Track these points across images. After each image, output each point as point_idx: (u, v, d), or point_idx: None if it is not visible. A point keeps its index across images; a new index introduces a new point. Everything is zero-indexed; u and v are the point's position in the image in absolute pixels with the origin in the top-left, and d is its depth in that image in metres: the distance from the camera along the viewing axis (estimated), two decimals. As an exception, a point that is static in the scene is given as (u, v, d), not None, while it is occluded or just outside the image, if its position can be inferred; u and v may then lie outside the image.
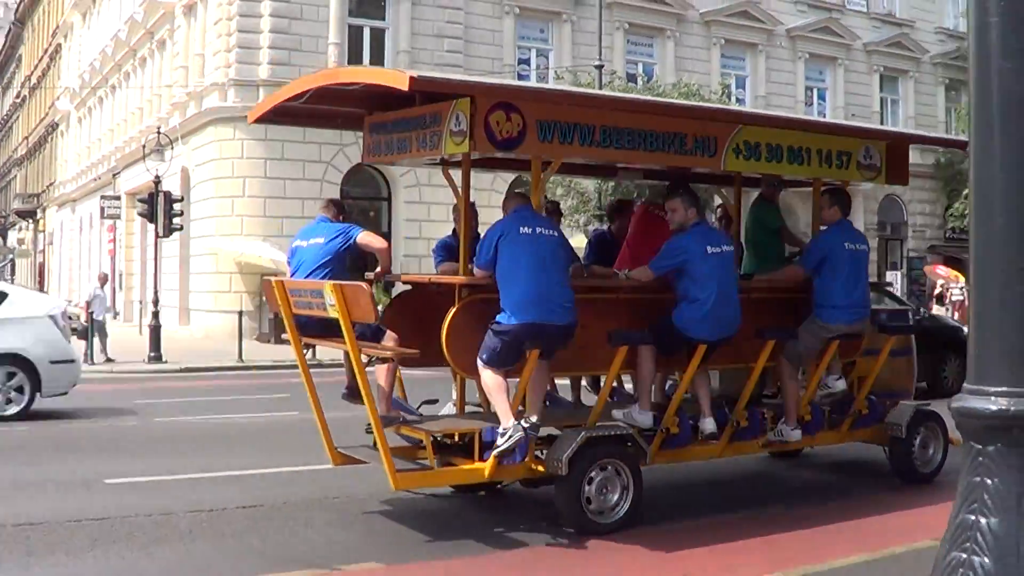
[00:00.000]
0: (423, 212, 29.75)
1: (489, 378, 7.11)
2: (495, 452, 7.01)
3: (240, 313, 24.74)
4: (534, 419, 7.21)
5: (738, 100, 33.70)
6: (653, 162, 8.41)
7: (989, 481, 3.05)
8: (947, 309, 32.66)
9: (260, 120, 9.25)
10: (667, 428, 7.78)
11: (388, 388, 7.63)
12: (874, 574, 6.42)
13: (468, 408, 8.30)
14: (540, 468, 7.36)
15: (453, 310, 7.23)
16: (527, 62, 33.13)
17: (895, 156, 9.50)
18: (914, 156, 33.04)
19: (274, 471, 9.78)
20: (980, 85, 3.07)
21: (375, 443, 7.32)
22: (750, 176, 9.33)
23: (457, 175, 8.02)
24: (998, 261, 3.01)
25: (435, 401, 8.75)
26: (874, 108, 40.41)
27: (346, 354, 7.60)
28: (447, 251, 8.66)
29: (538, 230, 7.21)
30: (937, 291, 32.90)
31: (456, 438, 7.75)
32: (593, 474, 7.28)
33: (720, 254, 7.81)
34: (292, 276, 7.98)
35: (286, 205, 28.83)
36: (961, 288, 31.91)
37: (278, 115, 9.14)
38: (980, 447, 3.06)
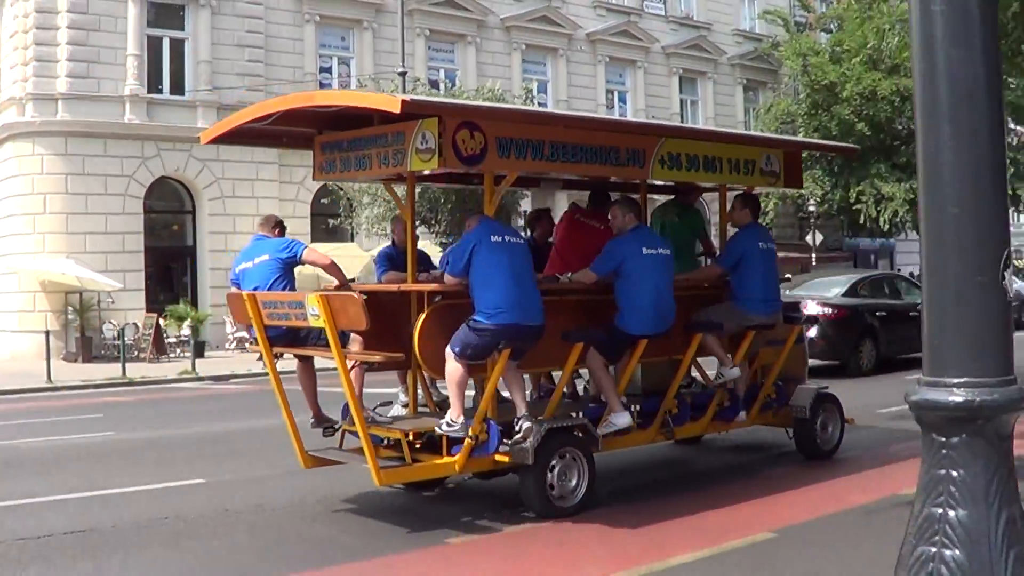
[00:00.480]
0: (228, 224, 39.08)
1: (455, 370, 10.11)
2: (442, 429, 10.18)
3: (47, 333, 30.81)
4: (523, 414, 10.34)
5: (541, 104, 43.76)
6: (592, 173, 11.85)
7: (955, 473, 4.06)
8: None
9: (214, 141, 12.14)
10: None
11: (356, 391, 10.42)
12: (714, 569, 8.23)
13: (419, 409, 11.80)
14: (505, 459, 10.30)
15: (424, 315, 10.46)
16: (329, 70, 43.26)
17: (791, 163, 13.63)
18: None
19: (102, 493, 12.31)
20: (926, 74, 4.04)
21: (339, 445, 11.03)
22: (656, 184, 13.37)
23: (400, 188, 12.30)
24: (952, 251, 3.97)
25: (389, 403, 12.29)
26: (674, 110, 53.70)
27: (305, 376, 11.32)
28: (389, 261, 12.48)
29: (507, 238, 10.43)
30: None
31: (411, 437, 10.54)
32: (554, 462, 10.37)
33: (656, 255, 11.05)
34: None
35: (89, 221, 37.22)
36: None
37: (229, 136, 12.07)
38: (943, 439, 4.09)
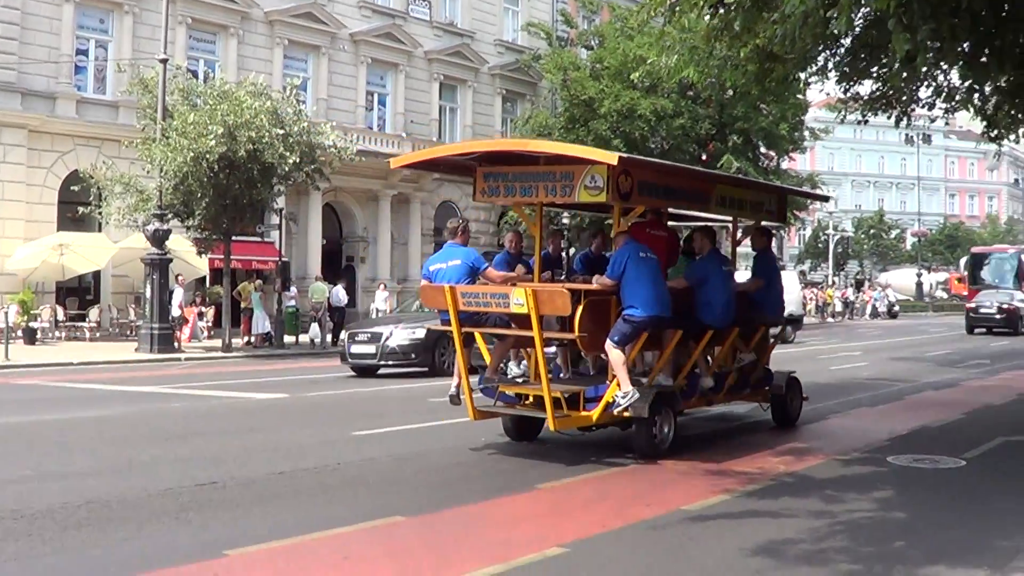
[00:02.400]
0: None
1: (616, 355, 13.74)
2: (619, 404, 13.65)
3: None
4: (660, 379, 14.86)
5: (301, 102, 41.66)
6: (689, 210, 16.90)
7: None
8: None
9: (411, 167, 17.87)
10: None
11: (499, 360, 15.41)
12: None
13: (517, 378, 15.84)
14: (627, 414, 13.99)
15: (581, 307, 13.80)
16: (86, 52, 42.02)
17: (781, 204, 18.81)
18: None
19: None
20: None
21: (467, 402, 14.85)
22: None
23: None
24: None
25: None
26: (433, 115, 53.83)
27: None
28: (504, 264, 15.90)
29: (648, 255, 14.19)
30: None
31: (560, 395, 14.26)
32: (659, 417, 14.40)
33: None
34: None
35: (6, 207, 38.50)
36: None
37: (422, 164, 18.23)
38: None
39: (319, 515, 10.59)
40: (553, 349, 15.98)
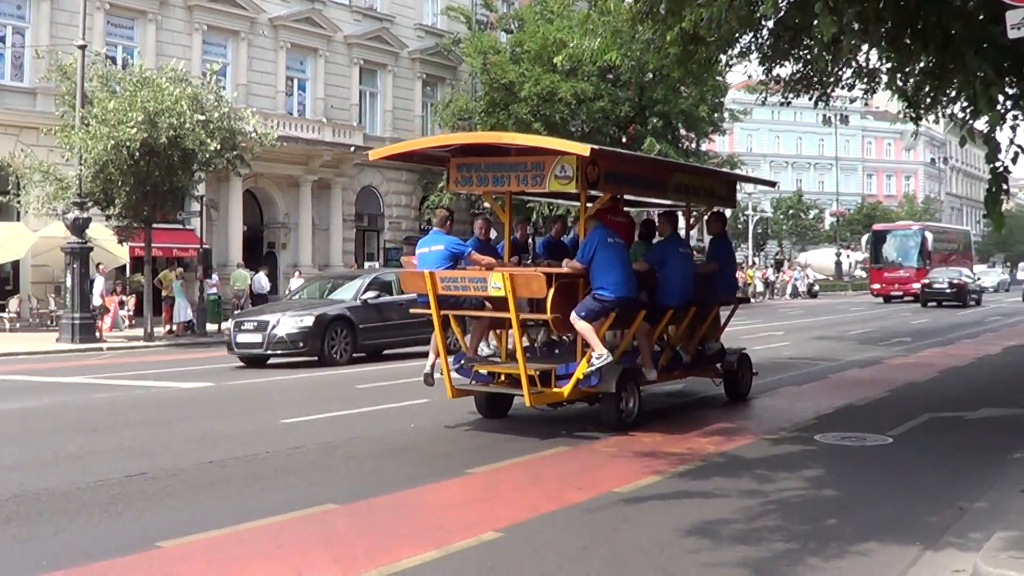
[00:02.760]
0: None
1: (584, 327, 14.44)
2: (593, 365, 14.37)
3: None
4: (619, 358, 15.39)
5: (221, 88, 40.69)
6: (650, 196, 18.23)
7: None
8: None
9: (385, 159, 17.86)
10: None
11: (478, 341, 16.36)
12: (447, 570, 8.21)
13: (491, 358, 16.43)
14: (592, 391, 15.19)
15: (553, 288, 14.45)
16: (3, 39, 41.50)
17: (731, 189, 19.95)
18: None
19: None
20: None
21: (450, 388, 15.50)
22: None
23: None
24: None
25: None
26: (353, 100, 53.65)
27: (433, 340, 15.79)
28: (474, 249, 16.23)
29: (615, 240, 15.00)
30: None
31: (503, 376, 15.62)
32: (624, 392, 15.32)
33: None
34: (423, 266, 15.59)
35: None
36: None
37: (398, 156, 18.12)
38: None
39: (251, 504, 10.52)
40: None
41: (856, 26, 10.61)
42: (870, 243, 75.92)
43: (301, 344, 26.27)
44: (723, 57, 18.19)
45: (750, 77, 22.68)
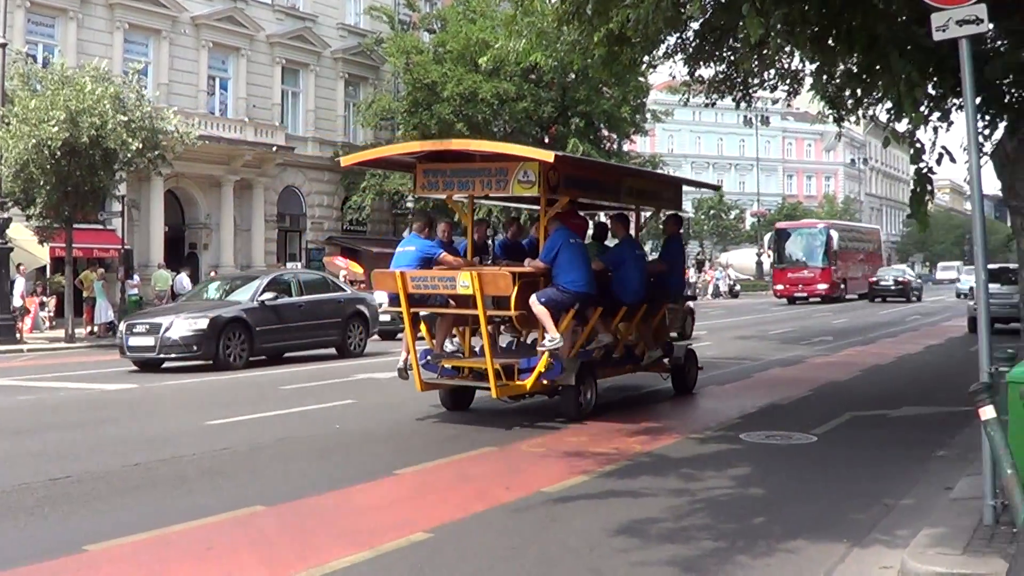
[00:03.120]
0: None
1: (541, 310, 15.26)
2: (544, 346, 15.39)
3: None
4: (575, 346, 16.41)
5: (143, 87, 40.03)
6: (606, 200, 18.91)
7: None
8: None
9: (353, 166, 18.84)
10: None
11: (444, 338, 17.14)
12: (377, 572, 8.21)
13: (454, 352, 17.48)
14: (553, 383, 16.03)
15: (517, 285, 15.36)
16: None
17: (678, 192, 21.01)
18: (313, 149, 50.83)
19: None
20: None
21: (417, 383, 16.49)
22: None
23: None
24: None
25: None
26: (275, 100, 53.35)
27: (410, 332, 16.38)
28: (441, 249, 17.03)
29: (576, 241, 16.29)
30: (340, 280, 46.20)
31: (466, 371, 16.69)
32: (583, 384, 16.34)
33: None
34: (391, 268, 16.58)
35: None
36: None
37: (370, 163, 19.85)
38: None
39: (179, 506, 10.41)
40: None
41: (782, 27, 10.69)
42: (772, 242, 74.79)
43: (195, 347, 25.44)
44: (647, 58, 18.29)
45: (673, 77, 22.81)
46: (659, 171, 48.09)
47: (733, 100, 21.53)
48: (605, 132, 58.04)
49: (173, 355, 25.53)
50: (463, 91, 50.30)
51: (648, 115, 60.26)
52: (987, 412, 6.22)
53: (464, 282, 15.39)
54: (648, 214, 20.58)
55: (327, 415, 16.95)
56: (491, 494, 10.96)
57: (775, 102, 26.26)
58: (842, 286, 68.61)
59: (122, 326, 27.39)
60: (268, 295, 27.00)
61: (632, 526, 9.35)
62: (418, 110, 52.12)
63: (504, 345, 18.77)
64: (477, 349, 17.35)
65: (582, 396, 16.34)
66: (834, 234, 70.01)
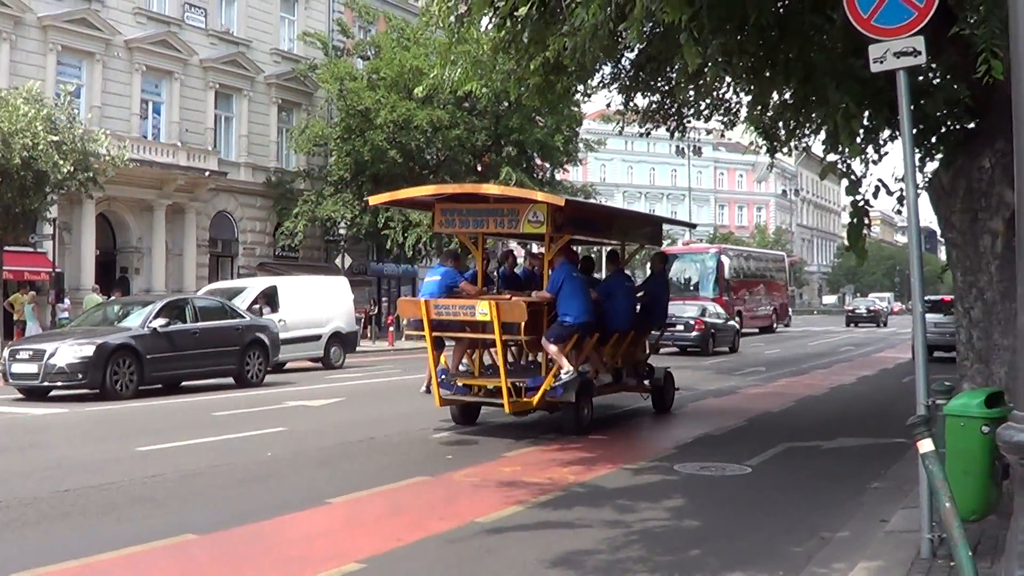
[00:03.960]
0: None
1: (553, 349, 17.40)
2: (561, 379, 17.42)
3: None
4: (583, 368, 18.50)
5: (75, 109, 39.33)
6: (599, 237, 21.63)
7: None
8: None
9: (383, 203, 22.23)
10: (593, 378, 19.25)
11: (459, 360, 19.24)
12: None
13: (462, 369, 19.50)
14: (556, 401, 17.93)
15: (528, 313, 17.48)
16: None
17: (658, 230, 23.45)
18: (246, 174, 50.58)
19: None
20: None
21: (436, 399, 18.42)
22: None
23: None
24: None
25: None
26: (208, 124, 52.88)
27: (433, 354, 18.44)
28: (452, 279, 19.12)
29: (579, 275, 18.31)
30: None
31: (475, 388, 18.65)
32: (582, 401, 18.19)
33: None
34: (419, 295, 19.09)
35: None
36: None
37: (396, 203, 23.18)
38: None
39: (108, 534, 10.22)
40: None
41: (719, 58, 10.68)
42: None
43: (80, 375, 23.92)
44: (582, 87, 18.33)
45: (608, 106, 22.84)
46: (642, 211, 50.09)
47: (667, 130, 21.57)
48: (538, 161, 58.17)
49: (59, 383, 24.07)
50: (397, 118, 50.21)
51: (581, 144, 60.46)
52: (925, 445, 6.19)
53: (483, 310, 17.37)
54: (632, 249, 23.05)
55: (260, 442, 16.70)
56: (425, 524, 10.84)
57: (709, 132, 26.59)
58: (735, 320, 53.32)
59: (5, 352, 26.27)
60: (160, 321, 25.68)
61: (568, 557, 9.25)
62: (351, 136, 52.08)
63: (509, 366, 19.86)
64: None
65: (581, 412, 18.18)
66: (725, 260, 63.49)
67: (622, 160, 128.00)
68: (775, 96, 14.32)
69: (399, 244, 52.00)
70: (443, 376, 18.80)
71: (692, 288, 60.00)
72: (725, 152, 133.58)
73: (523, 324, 17.45)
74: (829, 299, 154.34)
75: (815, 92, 11.69)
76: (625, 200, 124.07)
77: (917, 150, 12.55)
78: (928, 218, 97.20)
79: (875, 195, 11.31)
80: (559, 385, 17.73)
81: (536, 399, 17.88)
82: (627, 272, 21.79)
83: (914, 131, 9.68)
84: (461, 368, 19.60)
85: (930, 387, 8.43)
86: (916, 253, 8.78)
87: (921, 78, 12.10)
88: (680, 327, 42.40)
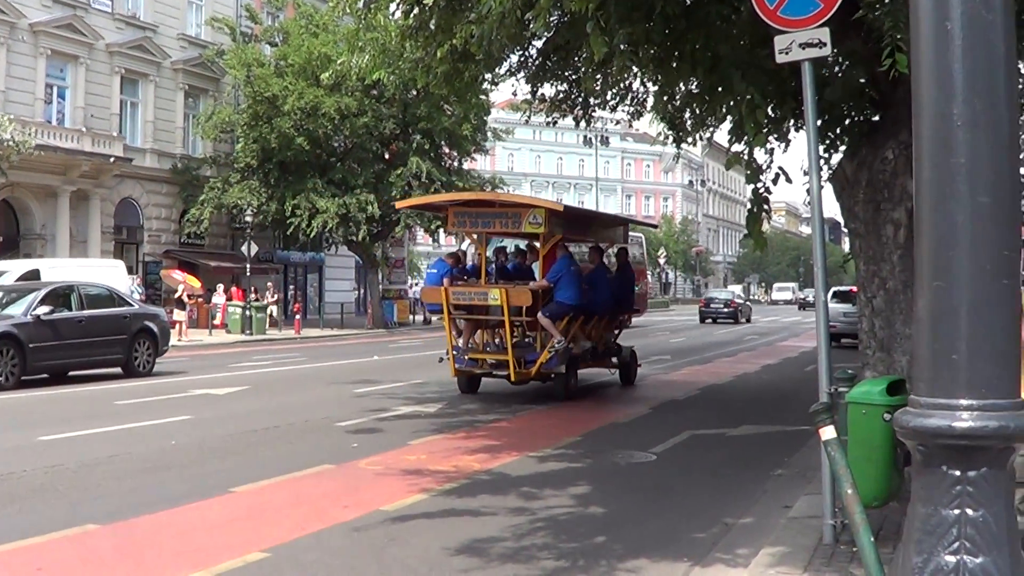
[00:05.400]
0: None
1: (547, 322, 20.81)
2: (555, 348, 20.85)
3: None
4: (568, 344, 21.49)
5: None
6: (580, 238, 26.01)
7: (973, 513, 3.42)
8: (189, 311, 46.51)
9: (408, 207, 33.40)
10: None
11: (469, 337, 22.80)
12: None
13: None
14: (551, 371, 21.29)
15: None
16: None
17: (626, 229, 29.76)
18: (152, 160, 49.29)
19: None
20: (935, 44, 3.49)
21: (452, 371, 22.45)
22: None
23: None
24: (970, 251, 3.42)
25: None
26: (114, 110, 52.03)
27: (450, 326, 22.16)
28: (448, 272, 22.49)
29: (575, 267, 21.83)
30: (178, 294, 44.95)
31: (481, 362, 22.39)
32: (571, 372, 21.83)
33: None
34: (427, 284, 23.86)
35: None
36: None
37: (423, 207, 30.48)
38: (958, 473, 3.42)
39: (8, 525, 10.05)
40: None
41: (626, 47, 10.70)
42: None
43: None
44: (490, 76, 18.26)
45: (515, 95, 22.86)
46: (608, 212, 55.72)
47: (574, 119, 21.62)
48: (446, 150, 58.09)
49: None
50: (304, 105, 49.90)
51: (489, 133, 60.47)
52: (827, 432, 6.21)
53: (494, 296, 21.15)
54: (605, 245, 26.28)
55: (163, 431, 16.51)
56: (329, 513, 10.79)
57: (617, 122, 27.16)
58: None
59: None
60: (44, 309, 24.72)
61: (472, 545, 9.24)
62: (258, 123, 51.51)
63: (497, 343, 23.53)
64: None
65: (570, 381, 21.75)
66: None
67: (530, 150, 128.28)
68: (681, 86, 14.38)
69: (305, 232, 51.72)
70: (456, 352, 22.19)
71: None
72: (632, 142, 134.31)
73: (525, 308, 21.22)
74: (734, 288, 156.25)
75: (721, 82, 11.75)
76: (533, 189, 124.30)
77: (823, 141, 12.67)
78: (832, 209, 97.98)
79: (774, 182, 11.39)
80: (553, 357, 20.96)
81: (534, 370, 21.25)
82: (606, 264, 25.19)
83: (819, 122, 9.77)
84: (469, 345, 22.85)
85: (833, 375, 8.51)
86: (819, 243, 8.83)
87: (825, 70, 12.21)
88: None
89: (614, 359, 25.06)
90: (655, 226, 41.46)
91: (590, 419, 18.70)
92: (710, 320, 70.69)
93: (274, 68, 52.11)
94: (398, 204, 26.35)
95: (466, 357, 22.34)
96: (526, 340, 23.21)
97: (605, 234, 26.44)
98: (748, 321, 72.97)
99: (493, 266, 24.74)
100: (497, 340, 23.32)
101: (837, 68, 13.04)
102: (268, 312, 50.26)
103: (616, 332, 25.65)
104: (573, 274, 21.44)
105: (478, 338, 23.27)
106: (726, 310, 71.83)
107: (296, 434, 16.51)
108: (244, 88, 52.55)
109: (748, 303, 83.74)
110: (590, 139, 31.33)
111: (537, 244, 22.98)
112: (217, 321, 50.11)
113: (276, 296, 54.71)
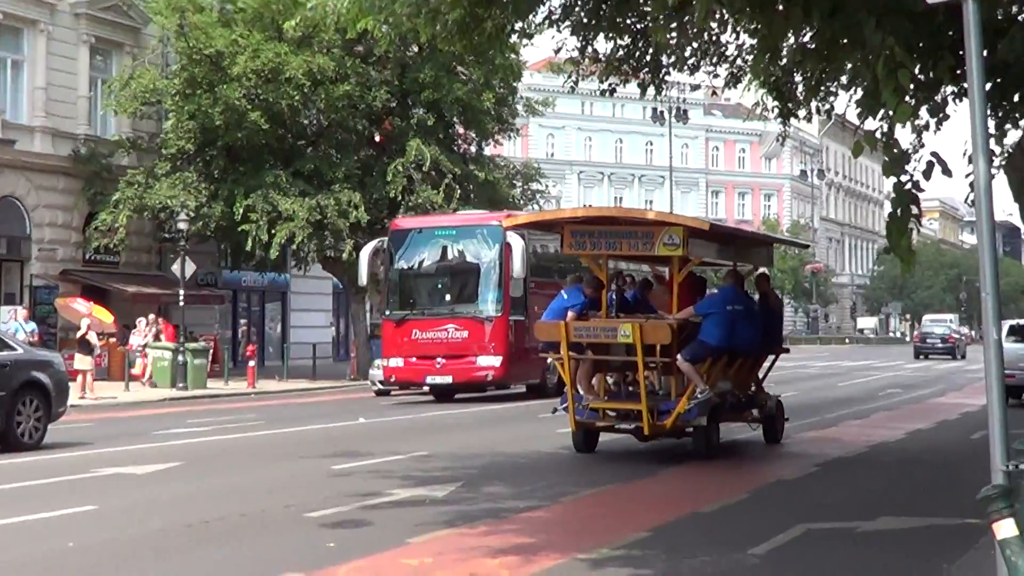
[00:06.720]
0: None
1: (689, 368, 23.44)
2: (697, 398, 23.29)
3: None
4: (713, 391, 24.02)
5: None
6: (718, 259, 27.89)
7: None
8: (98, 355, 46.28)
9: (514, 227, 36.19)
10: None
11: (588, 382, 25.33)
12: None
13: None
14: (690, 424, 23.82)
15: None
16: None
17: (770, 252, 33.47)
18: (43, 144, 49.81)
19: None
20: None
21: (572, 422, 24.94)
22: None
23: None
24: None
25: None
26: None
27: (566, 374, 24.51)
28: (579, 298, 25.21)
29: (734, 308, 24.46)
30: (82, 333, 43.87)
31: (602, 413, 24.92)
32: (712, 425, 24.23)
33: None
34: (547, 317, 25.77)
35: None
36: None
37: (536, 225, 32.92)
38: None
39: None
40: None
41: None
42: (384, 259, 46.33)
43: None
44: (521, 25, 18.14)
45: (558, 52, 22.89)
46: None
47: (639, 85, 21.68)
48: (460, 130, 57.68)
49: None
50: (261, 67, 49.67)
51: (520, 106, 60.27)
52: (1004, 528, 6.19)
53: (625, 331, 22.93)
54: (746, 271, 29.11)
55: (56, 527, 16.52)
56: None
57: (696, 88, 27.22)
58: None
59: None
60: None
61: None
62: (196, 92, 51.51)
63: (614, 389, 25.98)
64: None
65: (711, 437, 23.87)
66: (516, 243, 40.55)
67: (577, 129, 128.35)
68: (791, 38, 14.40)
69: (263, 245, 51.31)
70: (576, 400, 24.16)
71: (457, 296, 44.57)
72: (721, 117, 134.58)
73: (659, 347, 23.09)
74: (866, 322, 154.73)
75: (847, 32, 11.76)
76: (581, 183, 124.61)
77: (993, 114, 12.60)
78: (1006, 208, 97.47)
79: (927, 175, 11.31)
80: (693, 407, 23.01)
81: (669, 422, 23.30)
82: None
83: (988, 87, 9.73)
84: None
85: (1010, 446, 8.42)
86: (989, 257, 8.76)
87: (999, 13, 12.16)
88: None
89: (754, 411, 26.81)
90: (806, 245, 42.56)
91: (662, 507, 18.60)
92: (922, 356, 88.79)
93: (218, 14, 52.07)
94: (505, 224, 30.21)
95: (586, 407, 24.30)
96: (656, 387, 25.22)
97: (748, 256, 28.69)
98: (963, 357, 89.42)
99: (613, 295, 26.12)
100: (623, 386, 25.47)
101: (1016, 8, 12.98)
102: (208, 358, 50.04)
103: (760, 376, 27.62)
104: (730, 316, 23.77)
105: (596, 383, 25.33)
106: (942, 345, 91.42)
107: (247, 530, 16.47)
108: (176, 42, 52.63)
109: (963, 337, 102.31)
110: (662, 113, 31.52)
111: (648, 272, 26.25)
112: (137, 370, 49.53)
113: (214, 335, 54.42)
